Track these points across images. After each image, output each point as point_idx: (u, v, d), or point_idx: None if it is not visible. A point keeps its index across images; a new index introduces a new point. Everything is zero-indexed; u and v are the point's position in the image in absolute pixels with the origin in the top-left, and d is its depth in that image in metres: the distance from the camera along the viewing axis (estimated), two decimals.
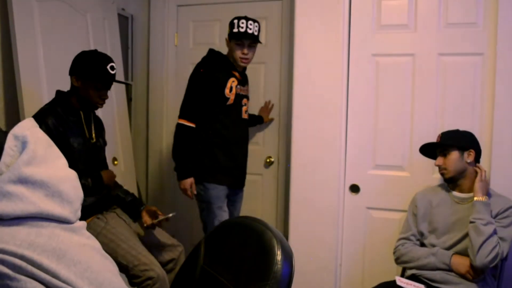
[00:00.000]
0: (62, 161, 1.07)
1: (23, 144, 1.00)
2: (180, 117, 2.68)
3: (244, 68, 2.84)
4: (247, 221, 1.35)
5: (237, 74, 2.74)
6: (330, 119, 2.67)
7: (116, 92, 3.03)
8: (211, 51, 2.78)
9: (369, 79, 2.65)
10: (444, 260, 2.14)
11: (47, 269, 0.92)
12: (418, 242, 2.29)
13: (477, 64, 2.50)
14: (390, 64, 2.62)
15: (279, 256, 1.14)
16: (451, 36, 2.53)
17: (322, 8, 2.67)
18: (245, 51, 2.67)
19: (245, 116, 2.82)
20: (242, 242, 1.27)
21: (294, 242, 2.74)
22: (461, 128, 2.31)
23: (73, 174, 1.06)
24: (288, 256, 1.15)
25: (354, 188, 2.68)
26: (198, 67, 2.73)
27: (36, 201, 0.95)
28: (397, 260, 2.32)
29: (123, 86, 3.10)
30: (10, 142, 1.00)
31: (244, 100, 2.80)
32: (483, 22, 2.48)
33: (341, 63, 2.64)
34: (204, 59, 2.76)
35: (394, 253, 2.33)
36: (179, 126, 2.67)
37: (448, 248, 2.18)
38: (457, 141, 2.23)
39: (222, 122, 2.70)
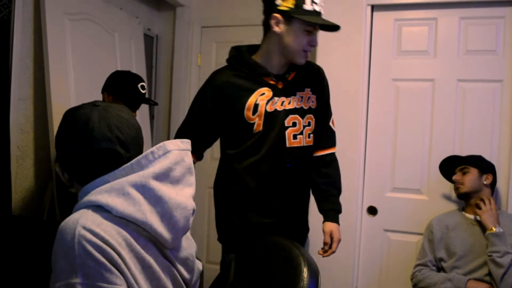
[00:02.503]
0: (190, 191, 1.11)
1: (163, 156, 1.05)
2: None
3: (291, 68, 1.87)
4: (275, 239, 1.37)
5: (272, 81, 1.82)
6: (349, 141, 2.71)
7: (140, 109, 3.10)
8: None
9: (389, 103, 2.69)
10: (460, 285, 2.14)
11: (133, 274, 0.98)
12: (434, 268, 2.30)
13: (496, 91, 2.53)
14: (410, 89, 2.67)
15: (305, 273, 1.17)
16: (471, 62, 2.57)
17: (344, 33, 2.72)
18: (316, 40, 1.80)
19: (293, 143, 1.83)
20: (270, 259, 1.29)
21: None
22: (480, 153, 2.37)
23: (191, 206, 1.09)
24: (314, 273, 1.18)
25: (372, 210, 2.70)
26: None
27: (146, 212, 1.01)
28: (415, 287, 2.32)
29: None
30: (154, 147, 1.06)
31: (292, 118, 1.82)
32: (502, 49, 2.52)
33: (361, 87, 2.69)
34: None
35: (411, 279, 2.34)
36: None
37: (469, 273, 2.18)
38: (480, 162, 2.28)
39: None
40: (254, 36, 3.33)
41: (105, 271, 0.93)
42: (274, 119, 1.78)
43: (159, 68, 3.55)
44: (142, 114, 3.18)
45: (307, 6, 1.68)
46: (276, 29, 1.72)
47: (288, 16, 1.69)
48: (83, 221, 0.95)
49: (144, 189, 1.01)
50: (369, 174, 2.71)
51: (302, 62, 1.81)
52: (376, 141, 2.71)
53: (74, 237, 0.93)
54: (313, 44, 1.78)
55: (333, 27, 1.74)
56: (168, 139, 3.49)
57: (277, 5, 1.69)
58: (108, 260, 0.94)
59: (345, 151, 2.71)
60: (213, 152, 3.44)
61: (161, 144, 1.07)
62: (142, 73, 3.20)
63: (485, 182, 2.27)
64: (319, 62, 2.77)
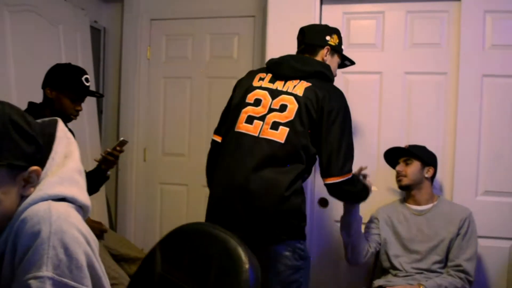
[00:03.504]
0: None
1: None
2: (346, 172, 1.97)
3: None
4: (205, 228, 1.35)
5: None
6: None
7: (87, 104, 3.01)
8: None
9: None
10: None
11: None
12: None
13: (441, 83, 2.60)
14: (358, 81, 2.71)
15: (246, 265, 1.16)
16: (417, 55, 2.64)
17: (293, 25, 2.72)
18: None
19: None
20: (205, 250, 1.27)
21: None
22: (426, 144, 2.43)
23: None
24: (254, 265, 1.18)
25: (323, 202, 2.73)
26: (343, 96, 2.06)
27: (88, 198, 1.04)
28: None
29: (94, 98, 3.08)
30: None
31: None
32: (446, 43, 2.60)
33: None
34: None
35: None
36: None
37: (414, 262, 2.27)
38: (423, 154, 2.35)
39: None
40: (206, 30, 3.32)
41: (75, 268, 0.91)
42: None
43: (107, 61, 3.46)
44: (89, 109, 3.09)
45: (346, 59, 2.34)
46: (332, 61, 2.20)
47: (336, 52, 2.22)
48: (64, 215, 0.93)
49: (82, 175, 1.04)
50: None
51: None
52: None
53: (51, 231, 0.90)
54: None
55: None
56: (118, 133, 3.41)
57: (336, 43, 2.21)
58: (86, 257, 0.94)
59: None
60: (164, 148, 3.39)
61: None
62: (89, 67, 3.10)
63: (426, 175, 2.35)
64: (269, 55, 2.76)
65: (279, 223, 1.89)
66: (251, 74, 2.14)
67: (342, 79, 2.69)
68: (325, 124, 1.93)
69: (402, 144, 2.55)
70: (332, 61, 2.17)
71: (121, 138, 2.30)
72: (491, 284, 2.52)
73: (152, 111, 3.41)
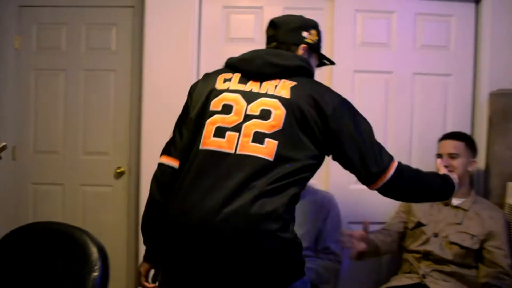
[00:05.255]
0: None
1: None
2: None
3: None
4: (50, 225, 1.29)
5: None
6: None
7: None
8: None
9: None
10: None
11: None
12: None
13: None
14: None
15: (95, 254, 1.11)
16: None
17: (172, 17, 2.68)
18: None
19: None
20: (44, 243, 1.21)
21: None
22: None
23: None
24: (103, 253, 1.13)
25: None
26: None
27: None
28: None
29: None
30: None
31: None
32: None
33: (190, 73, 2.66)
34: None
35: None
36: None
37: None
38: None
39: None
40: (81, 19, 3.13)
41: None
42: None
43: None
44: None
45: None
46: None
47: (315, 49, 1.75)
48: None
49: None
50: None
51: None
52: None
53: None
54: None
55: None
56: None
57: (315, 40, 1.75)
58: None
59: None
60: (36, 145, 3.16)
61: None
62: None
63: None
64: (147, 46, 2.69)
65: (276, 264, 1.41)
66: (210, 76, 1.63)
67: None
68: (335, 126, 1.49)
69: None
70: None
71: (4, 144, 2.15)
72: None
73: (22, 106, 3.15)
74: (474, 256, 2.33)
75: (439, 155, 2.44)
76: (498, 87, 2.70)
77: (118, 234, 3.05)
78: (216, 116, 1.51)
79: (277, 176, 1.42)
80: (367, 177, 1.53)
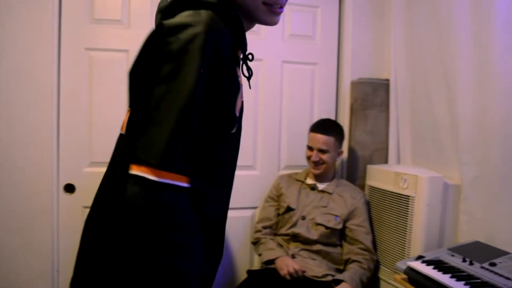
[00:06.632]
0: None
1: None
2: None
3: None
4: None
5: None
6: (39, 116, 2.47)
7: None
8: None
9: (82, 74, 2.54)
10: None
11: None
12: None
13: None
14: (105, 59, 2.57)
15: None
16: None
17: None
18: None
19: None
20: None
21: (4, 254, 2.45)
22: None
23: None
24: None
25: (69, 188, 2.53)
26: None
27: None
28: None
29: None
30: None
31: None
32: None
33: (51, 56, 2.46)
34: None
35: None
36: None
37: None
38: None
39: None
40: None
41: None
42: None
43: None
44: None
45: None
46: None
47: None
48: None
49: None
50: (65, 149, 2.53)
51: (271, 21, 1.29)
52: (70, 114, 2.52)
53: None
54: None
55: None
56: None
57: None
58: None
59: (34, 127, 2.46)
60: None
61: None
62: None
63: None
64: None
65: None
66: None
67: (86, 56, 2.53)
68: None
69: None
70: None
71: None
72: (237, 250, 2.76)
73: None
74: (338, 235, 2.48)
75: (310, 148, 2.55)
76: (359, 76, 2.88)
77: None
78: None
79: None
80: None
